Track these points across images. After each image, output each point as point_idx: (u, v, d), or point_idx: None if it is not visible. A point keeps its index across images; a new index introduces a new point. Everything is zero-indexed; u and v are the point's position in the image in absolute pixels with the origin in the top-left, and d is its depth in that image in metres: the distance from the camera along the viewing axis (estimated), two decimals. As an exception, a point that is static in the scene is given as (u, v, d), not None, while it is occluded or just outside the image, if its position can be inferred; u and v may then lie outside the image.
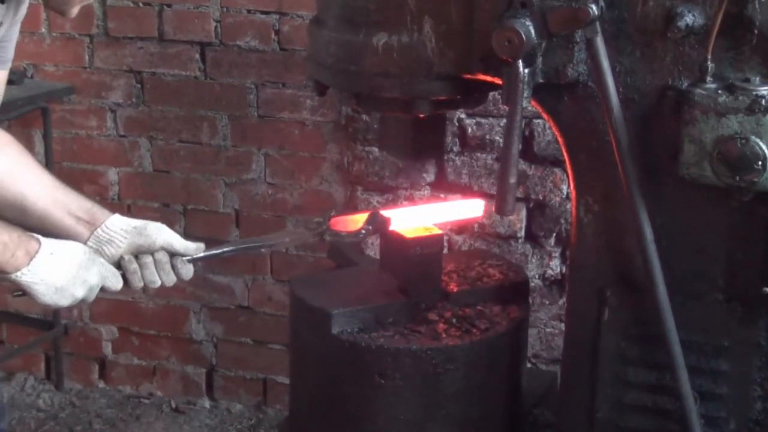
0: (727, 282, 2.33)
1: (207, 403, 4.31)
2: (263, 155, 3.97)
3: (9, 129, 4.11)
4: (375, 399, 2.60)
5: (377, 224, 2.56)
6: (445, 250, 3.35)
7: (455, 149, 3.68)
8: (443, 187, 3.72)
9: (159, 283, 2.35)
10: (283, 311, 3.97)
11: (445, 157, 3.66)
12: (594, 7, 2.17)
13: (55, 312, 4.32)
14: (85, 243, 2.33)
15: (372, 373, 2.57)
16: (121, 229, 2.36)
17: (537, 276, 3.70)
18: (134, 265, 2.32)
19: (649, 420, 2.45)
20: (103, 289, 2.30)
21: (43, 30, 4.13)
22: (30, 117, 4.14)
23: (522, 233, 3.71)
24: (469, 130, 3.66)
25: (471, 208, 2.95)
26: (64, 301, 2.24)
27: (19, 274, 2.16)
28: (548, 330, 3.73)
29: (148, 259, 2.33)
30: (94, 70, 4.11)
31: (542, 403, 2.91)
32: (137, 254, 2.34)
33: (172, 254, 2.36)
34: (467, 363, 2.59)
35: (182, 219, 4.11)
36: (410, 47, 2.38)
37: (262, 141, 3.97)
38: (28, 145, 4.11)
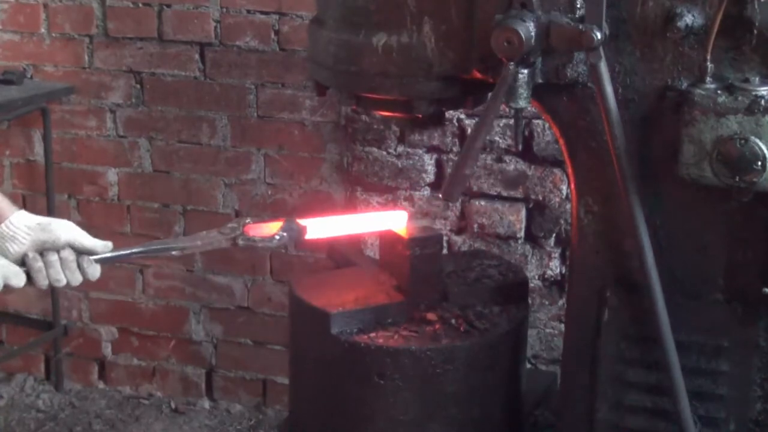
0: (727, 282, 2.33)
1: (207, 404, 4.30)
2: (263, 155, 3.97)
3: (8, 129, 4.14)
4: (374, 399, 2.60)
5: (292, 232, 2.49)
6: (445, 250, 3.34)
7: (455, 149, 3.68)
8: (441, 186, 3.71)
9: (65, 281, 2.29)
10: (283, 311, 3.97)
11: (445, 158, 3.66)
12: (598, 34, 2.17)
13: (55, 312, 4.32)
14: None
15: (371, 373, 2.57)
16: (24, 225, 2.30)
17: (536, 276, 3.69)
18: (39, 263, 2.26)
19: (649, 421, 2.45)
20: (5, 287, 2.25)
21: (43, 30, 4.12)
22: (29, 117, 4.14)
23: (522, 234, 3.70)
24: (469, 130, 3.65)
25: (394, 219, 2.83)
26: None
27: None
28: (548, 330, 3.73)
29: (53, 257, 2.27)
30: (94, 70, 4.11)
31: (542, 403, 2.91)
32: (42, 252, 2.28)
33: (80, 252, 2.30)
34: (466, 363, 2.58)
35: (182, 219, 4.11)
36: (410, 47, 2.37)
37: (261, 141, 3.97)
38: (27, 145, 4.17)
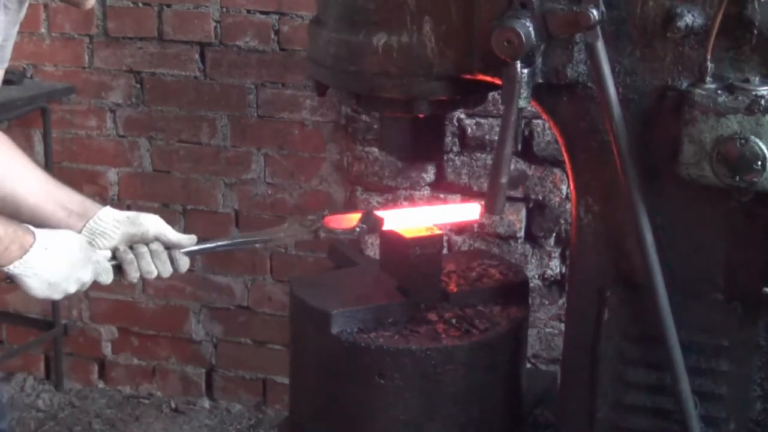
0: (727, 282, 2.32)
1: (207, 403, 4.30)
2: (263, 155, 3.97)
3: (8, 129, 4.13)
4: (374, 399, 2.59)
5: (371, 223, 2.56)
6: (445, 250, 3.34)
7: (455, 149, 3.68)
8: (442, 187, 3.72)
9: (155, 273, 2.33)
10: (283, 311, 3.97)
11: (445, 158, 3.66)
12: (595, 12, 2.17)
13: (55, 312, 4.32)
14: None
15: (372, 373, 2.56)
16: (113, 219, 2.35)
17: (537, 276, 3.69)
18: (130, 256, 2.30)
19: (650, 421, 2.45)
20: (94, 282, 2.29)
21: (43, 30, 4.12)
22: (30, 117, 4.14)
23: (522, 233, 3.70)
24: (469, 130, 3.66)
25: (467, 211, 2.95)
26: (56, 296, 2.24)
27: (11, 267, 2.15)
28: (548, 330, 3.72)
29: (143, 249, 2.32)
30: (94, 70, 4.11)
31: (542, 403, 2.91)
32: (131, 245, 2.33)
33: (167, 246, 2.35)
34: (467, 363, 2.58)
35: (182, 219, 4.11)
36: (410, 47, 2.37)
37: (261, 141, 3.97)
38: (27, 145, 4.14)
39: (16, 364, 4.50)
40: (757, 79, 2.16)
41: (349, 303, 2.64)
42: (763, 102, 2.10)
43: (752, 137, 2.12)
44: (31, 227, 2.20)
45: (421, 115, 2.53)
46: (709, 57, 2.16)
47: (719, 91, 2.15)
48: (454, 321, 2.66)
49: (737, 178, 2.14)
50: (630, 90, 2.28)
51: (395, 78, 2.41)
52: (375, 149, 3.68)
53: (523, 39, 2.19)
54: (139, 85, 4.08)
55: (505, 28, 2.20)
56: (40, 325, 4.41)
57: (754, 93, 2.12)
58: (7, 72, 3.95)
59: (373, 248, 3.60)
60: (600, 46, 2.21)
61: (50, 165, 4.10)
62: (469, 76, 2.38)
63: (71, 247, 2.22)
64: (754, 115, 2.11)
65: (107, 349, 4.39)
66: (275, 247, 3.97)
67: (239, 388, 4.27)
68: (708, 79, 2.17)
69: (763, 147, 2.10)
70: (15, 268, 2.15)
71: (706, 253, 2.33)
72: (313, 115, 3.89)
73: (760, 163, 2.11)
